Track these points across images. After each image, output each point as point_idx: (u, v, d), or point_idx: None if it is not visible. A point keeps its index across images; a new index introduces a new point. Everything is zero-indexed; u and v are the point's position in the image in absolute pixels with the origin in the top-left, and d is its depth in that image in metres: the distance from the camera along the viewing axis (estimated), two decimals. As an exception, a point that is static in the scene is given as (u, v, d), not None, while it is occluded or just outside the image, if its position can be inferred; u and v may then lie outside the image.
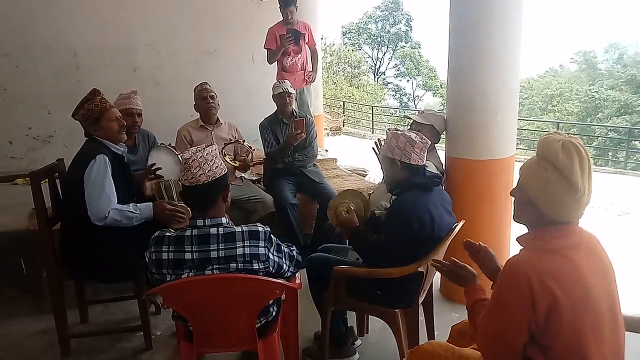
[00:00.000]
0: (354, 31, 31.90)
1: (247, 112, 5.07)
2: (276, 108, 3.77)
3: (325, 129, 10.42)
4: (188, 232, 1.77)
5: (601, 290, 1.30)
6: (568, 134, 1.49)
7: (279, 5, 4.68)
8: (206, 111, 3.53)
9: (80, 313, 2.91)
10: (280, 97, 3.67)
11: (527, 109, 24.24)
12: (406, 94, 31.60)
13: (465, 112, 2.89)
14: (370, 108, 16.91)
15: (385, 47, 31.94)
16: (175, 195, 2.83)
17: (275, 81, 3.93)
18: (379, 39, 31.61)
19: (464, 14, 2.83)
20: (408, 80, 31.37)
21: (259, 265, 1.79)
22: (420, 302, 2.28)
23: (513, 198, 1.45)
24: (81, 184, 2.34)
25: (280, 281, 1.82)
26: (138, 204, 2.44)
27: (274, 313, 1.97)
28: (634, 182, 8.20)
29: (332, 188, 3.69)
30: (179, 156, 3.04)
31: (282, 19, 4.76)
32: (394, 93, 31.45)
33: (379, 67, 32.20)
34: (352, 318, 2.67)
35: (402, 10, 31.37)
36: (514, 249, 1.44)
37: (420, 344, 1.80)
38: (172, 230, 1.83)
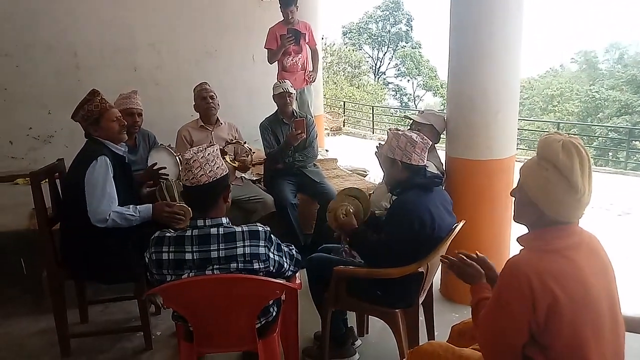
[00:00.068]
0: (354, 31, 31.91)
1: (247, 112, 5.07)
2: (277, 108, 3.77)
3: (325, 129, 10.42)
4: (188, 233, 1.77)
5: (601, 291, 1.30)
6: (568, 134, 1.49)
7: (279, 5, 4.68)
8: (206, 111, 3.53)
9: (80, 313, 2.91)
10: (281, 97, 3.67)
11: (527, 109, 24.25)
12: (406, 94, 31.61)
13: (465, 112, 2.89)
14: (370, 108, 16.90)
15: (386, 47, 31.94)
16: (176, 195, 2.83)
17: (276, 81, 3.93)
18: (379, 38, 31.61)
19: (464, 14, 2.83)
20: (408, 80, 31.39)
21: (259, 265, 1.79)
22: (420, 302, 2.28)
23: (513, 198, 1.45)
24: (82, 185, 2.34)
25: (281, 281, 1.82)
26: (137, 206, 2.44)
27: (274, 313, 1.97)
28: (634, 182, 8.19)
29: (332, 188, 3.69)
30: (177, 157, 3.04)
31: (282, 18, 4.76)
32: (394, 93, 31.46)
33: (380, 67, 32.21)
34: (352, 318, 2.66)
35: (403, 10, 31.38)
36: (515, 249, 1.44)
37: (420, 344, 1.80)
38: (173, 231, 1.83)
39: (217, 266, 1.75)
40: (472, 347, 1.65)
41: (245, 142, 3.50)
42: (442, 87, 27.43)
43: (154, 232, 1.83)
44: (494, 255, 2.88)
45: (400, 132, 2.19)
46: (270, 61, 4.87)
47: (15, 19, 4.93)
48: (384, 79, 31.81)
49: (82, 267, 2.48)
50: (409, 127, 2.93)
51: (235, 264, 1.75)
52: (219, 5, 5.87)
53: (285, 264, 1.92)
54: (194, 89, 3.57)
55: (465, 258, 1.72)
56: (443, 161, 3.09)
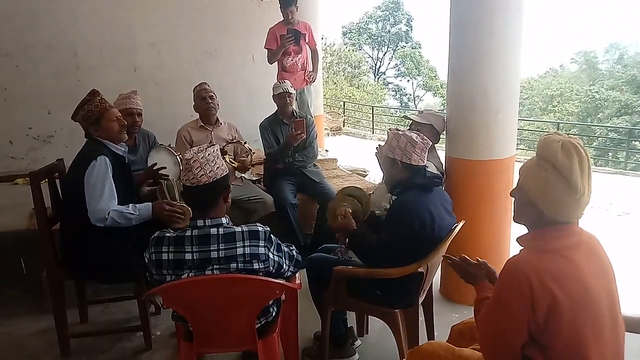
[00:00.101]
0: (354, 31, 31.92)
1: (247, 112, 5.08)
2: (276, 108, 3.77)
3: (325, 129, 10.42)
4: (188, 233, 1.77)
5: (601, 291, 1.30)
6: (568, 134, 1.49)
7: (279, 5, 4.68)
8: (205, 111, 3.53)
9: (80, 313, 2.91)
10: (281, 98, 3.67)
11: (527, 109, 24.26)
12: (406, 94, 31.62)
13: (465, 112, 2.89)
14: (370, 108, 16.90)
15: (386, 47, 31.95)
16: (177, 195, 2.83)
17: (276, 81, 3.94)
18: (379, 39, 31.62)
19: (464, 14, 2.83)
20: (408, 80, 31.40)
21: (259, 265, 1.79)
22: (420, 303, 2.28)
23: (513, 199, 1.45)
24: (81, 185, 2.34)
25: (280, 281, 1.82)
26: (137, 205, 2.44)
27: (274, 313, 1.97)
28: (634, 182, 8.20)
29: (332, 188, 3.69)
30: (177, 157, 3.04)
31: (282, 19, 4.76)
32: (394, 93, 31.47)
33: (380, 67, 32.22)
34: (352, 318, 2.66)
35: (403, 10, 31.39)
36: (514, 249, 1.44)
37: (420, 344, 1.80)
38: (172, 231, 1.83)
39: (217, 266, 1.75)
40: (472, 347, 1.65)
41: (245, 142, 3.50)
42: (442, 87, 27.43)
43: (154, 232, 1.83)
44: (494, 255, 2.90)
45: (400, 132, 2.19)
46: (270, 61, 4.87)
47: (15, 19, 4.93)
48: (384, 79, 31.82)
49: (82, 267, 2.48)
50: (408, 127, 2.93)
51: (235, 264, 1.75)
52: (219, 5, 5.88)
53: (285, 265, 1.92)
54: (194, 89, 3.57)
55: (467, 258, 1.73)
56: (443, 161, 3.09)
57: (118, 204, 2.39)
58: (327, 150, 6.88)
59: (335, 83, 22.88)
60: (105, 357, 2.62)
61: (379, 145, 2.54)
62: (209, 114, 3.54)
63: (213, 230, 1.77)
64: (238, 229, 1.79)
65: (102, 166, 2.35)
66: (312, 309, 2.41)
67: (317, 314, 2.39)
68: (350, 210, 2.39)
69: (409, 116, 3.27)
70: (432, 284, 2.44)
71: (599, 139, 17.71)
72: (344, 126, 13.82)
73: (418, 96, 31.70)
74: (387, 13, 31.30)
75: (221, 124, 3.63)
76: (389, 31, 31.58)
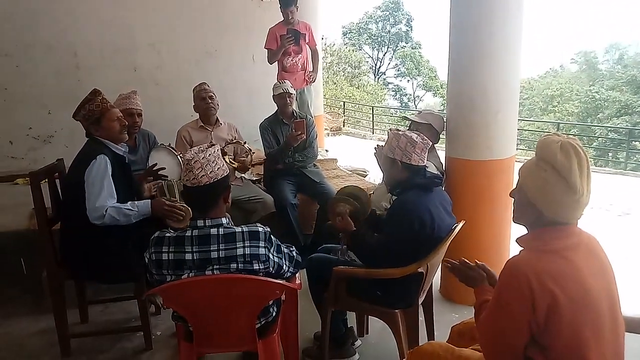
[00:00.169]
0: (354, 31, 31.93)
1: (247, 112, 5.07)
2: (276, 108, 3.77)
3: (325, 129, 10.42)
4: (188, 233, 1.77)
5: (601, 291, 1.30)
6: (568, 134, 1.50)
7: (279, 5, 4.69)
8: (205, 111, 3.53)
9: (80, 313, 2.91)
10: (281, 98, 3.67)
11: (527, 110, 24.26)
12: (406, 94, 31.63)
13: (465, 112, 2.89)
14: (370, 108, 16.90)
15: (386, 47, 31.95)
16: (177, 195, 2.83)
17: (276, 81, 3.94)
18: (379, 39, 31.62)
19: (464, 14, 2.83)
20: (408, 80, 31.40)
21: (259, 266, 1.79)
22: (420, 303, 2.28)
23: (513, 199, 1.45)
24: (82, 184, 2.34)
25: (280, 282, 1.82)
26: (136, 202, 2.43)
27: (274, 313, 1.97)
28: (634, 182, 8.20)
29: (332, 188, 3.69)
30: (179, 157, 3.04)
31: (282, 19, 4.76)
32: (394, 93, 31.47)
33: (380, 67, 32.22)
34: (352, 318, 2.67)
35: (403, 10, 31.40)
36: (514, 249, 1.44)
37: (420, 344, 1.80)
38: (172, 231, 1.83)
39: (217, 266, 1.75)
40: (472, 347, 1.65)
41: (244, 142, 3.50)
42: (442, 88, 27.44)
43: (154, 232, 1.83)
44: (493, 255, 2.90)
45: (400, 132, 2.19)
46: (270, 61, 4.87)
47: (15, 19, 4.93)
48: (384, 79, 31.83)
49: (82, 267, 2.48)
50: (408, 128, 2.93)
51: (235, 265, 1.75)
52: (219, 5, 5.87)
53: (285, 266, 1.92)
54: (194, 89, 3.58)
55: (466, 261, 1.73)
56: (443, 161, 3.09)
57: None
58: (327, 151, 6.88)
59: (335, 83, 22.88)
60: (106, 357, 2.62)
61: (378, 145, 2.54)
62: (209, 114, 3.54)
63: (213, 231, 1.77)
64: (238, 229, 1.79)
65: (102, 165, 2.35)
66: (312, 309, 2.41)
67: (317, 314, 2.39)
68: (348, 210, 2.39)
69: (407, 116, 3.27)
70: (432, 284, 2.44)
71: (599, 139, 17.71)
72: (344, 126, 13.82)
73: (418, 96, 31.72)
74: (387, 13, 31.31)
75: (221, 124, 3.63)
76: (389, 31, 31.59)
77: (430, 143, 2.30)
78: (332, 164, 5.13)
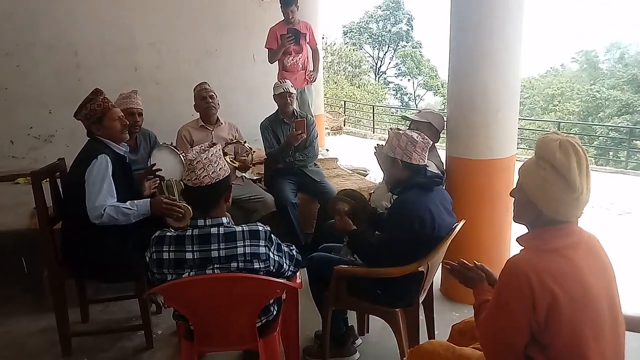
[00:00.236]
0: (355, 30, 31.90)
1: (248, 112, 5.07)
2: (277, 108, 3.77)
3: (326, 128, 10.42)
4: (189, 232, 1.78)
5: (601, 290, 1.30)
6: (569, 133, 1.50)
7: (279, 5, 4.69)
8: (206, 111, 3.53)
9: (81, 312, 2.91)
10: (281, 97, 3.67)
11: (528, 109, 24.25)
12: (407, 94, 31.62)
13: (466, 111, 2.89)
14: (371, 107, 16.90)
15: (386, 46, 31.94)
16: (177, 195, 2.83)
17: (276, 81, 3.93)
18: (380, 38, 31.61)
19: (465, 14, 2.83)
20: (409, 79, 31.39)
21: (259, 265, 1.79)
22: (420, 302, 2.28)
23: (513, 198, 1.45)
24: (82, 184, 2.34)
25: (281, 280, 1.82)
26: (135, 201, 2.43)
27: (275, 312, 1.97)
28: (635, 181, 8.20)
29: (332, 187, 3.70)
30: (181, 156, 3.05)
31: (283, 18, 4.76)
32: (394, 92, 31.47)
33: (380, 66, 32.21)
34: (352, 317, 2.67)
35: (403, 9, 31.38)
36: (515, 249, 1.45)
37: (420, 343, 1.80)
38: (173, 230, 1.83)
39: (218, 265, 1.75)
40: (472, 346, 1.65)
41: (245, 142, 3.51)
42: (442, 87, 27.43)
43: (155, 232, 1.83)
44: (494, 255, 2.90)
45: (401, 132, 2.20)
46: (271, 61, 4.87)
47: (16, 18, 4.94)
48: (385, 78, 31.82)
49: (82, 266, 2.48)
50: (408, 127, 2.93)
51: (236, 264, 1.76)
52: (219, 5, 5.88)
53: (285, 265, 1.92)
54: (194, 89, 3.58)
55: (465, 262, 1.73)
56: (443, 160, 3.09)
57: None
58: (327, 150, 6.88)
59: (335, 82, 22.89)
60: (106, 356, 2.63)
61: (378, 144, 2.54)
62: (210, 113, 3.54)
63: (213, 230, 1.77)
64: (238, 228, 1.79)
65: (103, 164, 2.35)
66: (312, 308, 2.41)
67: (318, 313, 2.39)
68: (346, 209, 2.39)
69: (407, 116, 3.27)
70: (432, 283, 2.44)
71: (600, 138, 17.69)
72: (344, 126, 13.81)
73: (419, 95, 31.71)
74: (388, 12, 31.29)
75: (222, 123, 3.64)
76: (390, 30, 31.57)
77: (431, 142, 2.30)
78: (333, 164, 5.13)
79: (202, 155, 1.76)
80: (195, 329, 1.86)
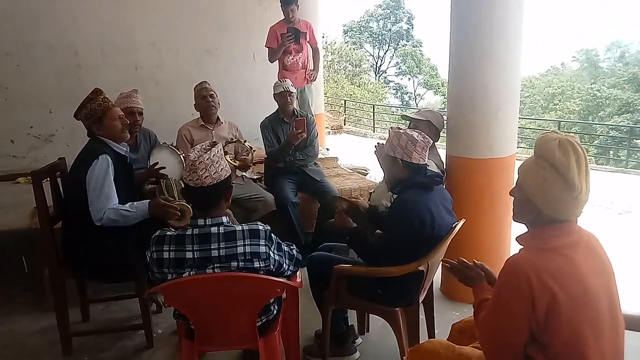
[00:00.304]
0: (355, 29, 31.90)
1: (248, 111, 5.08)
2: (277, 107, 3.77)
3: (326, 127, 10.42)
4: (189, 231, 1.78)
5: (600, 289, 1.30)
6: (569, 132, 1.50)
7: (280, 4, 4.68)
8: (206, 110, 3.53)
9: (81, 311, 2.91)
10: (282, 96, 3.67)
11: (528, 108, 24.24)
12: (407, 93, 31.62)
13: (466, 110, 2.89)
14: (371, 107, 16.90)
15: (387, 45, 31.93)
16: (176, 194, 2.83)
17: (277, 80, 3.93)
18: (380, 37, 31.60)
19: (465, 13, 2.83)
20: (409, 78, 31.39)
21: (259, 264, 1.79)
22: (420, 301, 2.28)
23: (512, 197, 1.45)
24: (83, 184, 2.34)
25: (281, 280, 1.82)
26: (135, 203, 2.43)
27: (275, 312, 1.97)
28: (635, 180, 8.19)
29: (333, 187, 3.70)
30: (181, 156, 3.05)
31: (283, 17, 4.76)
32: (395, 91, 31.47)
33: (380, 65, 32.20)
34: (352, 316, 2.67)
35: (404, 8, 31.38)
36: (515, 248, 1.45)
37: (420, 342, 1.81)
38: (173, 230, 1.83)
39: (218, 265, 1.75)
40: (472, 345, 1.66)
41: (245, 141, 3.51)
42: (442, 86, 27.41)
43: (155, 231, 1.83)
44: (494, 254, 2.90)
45: (401, 131, 2.20)
46: (271, 60, 4.87)
47: (16, 18, 4.94)
48: (385, 77, 31.82)
49: (83, 266, 2.48)
50: (408, 127, 2.93)
51: (236, 263, 1.76)
52: (219, 5, 5.87)
53: (285, 264, 1.92)
54: (194, 88, 3.58)
55: (465, 260, 1.73)
56: (443, 160, 3.09)
57: (119, 204, 2.39)
58: (327, 149, 6.87)
59: (336, 81, 22.89)
60: (107, 356, 2.63)
61: (378, 143, 2.54)
62: (210, 112, 3.54)
63: (214, 229, 1.77)
64: (238, 227, 1.79)
65: (104, 165, 2.35)
66: (313, 307, 2.41)
67: (318, 312, 2.39)
68: (345, 207, 2.39)
69: (407, 115, 3.27)
70: (432, 282, 2.44)
71: (600, 137, 17.66)
72: (344, 125, 13.81)
73: (419, 95, 31.71)
74: (388, 11, 31.29)
75: (222, 122, 3.64)
76: (390, 29, 31.56)
77: (431, 141, 2.30)
78: (333, 163, 5.13)
79: (204, 155, 1.76)
80: (195, 328, 1.86)
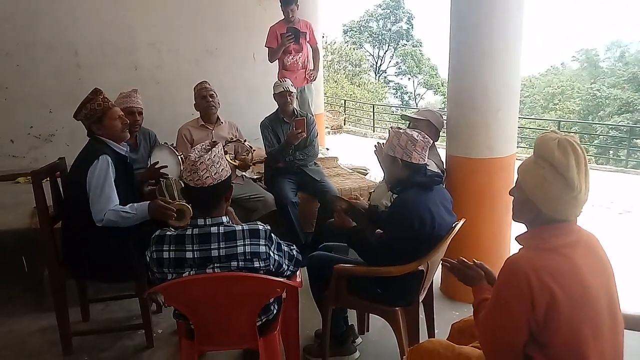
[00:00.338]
0: (355, 29, 31.89)
1: (248, 111, 5.08)
2: (277, 107, 3.77)
3: (326, 127, 10.42)
4: (189, 231, 1.78)
5: (600, 289, 1.30)
6: (569, 132, 1.50)
7: (280, 4, 4.68)
8: (206, 110, 3.54)
9: (81, 311, 2.92)
10: (281, 96, 3.67)
11: (528, 107, 24.24)
12: (407, 93, 31.62)
13: (466, 110, 2.89)
14: (371, 106, 16.90)
15: (387, 45, 31.93)
16: (176, 194, 2.83)
17: (276, 80, 3.94)
18: (380, 37, 31.60)
19: (465, 12, 2.83)
20: (409, 78, 31.39)
21: (259, 264, 1.79)
22: (420, 301, 2.28)
23: (512, 197, 1.45)
24: (83, 184, 2.34)
25: (281, 279, 1.83)
26: (134, 204, 2.43)
27: (275, 311, 1.97)
28: (635, 180, 8.19)
29: (333, 186, 3.70)
30: (179, 157, 3.05)
31: (283, 17, 4.76)
32: (395, 91, 31.47)
33: (380, 65, 32.20)
34: (352, 316, 2.67)
35: (404, 8, 31.38)
36: (515, 247, 1.45)
37: (420, 342, 1.81)
38: (173, 229, 1.83)
39: (218, 264, 1.76)
40: (472, 344, 1.66)
41: (245, 141, 3.51)
42: (442, 86, 27.41)
43: (155, 231, 1.83)
44: (494, 254, 2.90)
45: (401, 130, 2.20)
46: (271, 60, 4.87)
47: (16, 18, 4.94)
48: (385, 77, 31.82)
49: (83, 266, 2.48)
50: (408, 126, 2.93)
51: (236, 263, 1.76)
52: (219, 5, 5.87)
53: (285, 265, 1.92)
54: (194, 88, 3.58)
55: (464, 260, 1.73)
56: (443, 159, 3.09)
57: (120, 204, 2.39)
58: (327, 149, 6.87)
59: (336, 81, 22.88)
60: (107, 355, 2.63)
61: (378, 142, 2.54)
62: (210, 112, 3.54)
63: (214, 229, 1.77)
64: (238, 227, 1.79)
65: (104, 166, 2.35)
66: (312, 306, 2.42)
67: (318, 311, 2.39)
68: (344, 207, 2.39)
69: (406, 114, 3.27)
70: (432, 282, 2.44)
71: (600, 137, 17.67)
72: (344, 124, 13.81)
73: (419, 94, 31.70)
74: (388, 11, 31.28)
75: (222, 122, 3.64)
76: (390, 29, 31.56)
77: (431, 141, 2.30)
78: (333, 163, 5.13)
79: (205, 156, 1.76)
80: (195, 328, 1.86)
